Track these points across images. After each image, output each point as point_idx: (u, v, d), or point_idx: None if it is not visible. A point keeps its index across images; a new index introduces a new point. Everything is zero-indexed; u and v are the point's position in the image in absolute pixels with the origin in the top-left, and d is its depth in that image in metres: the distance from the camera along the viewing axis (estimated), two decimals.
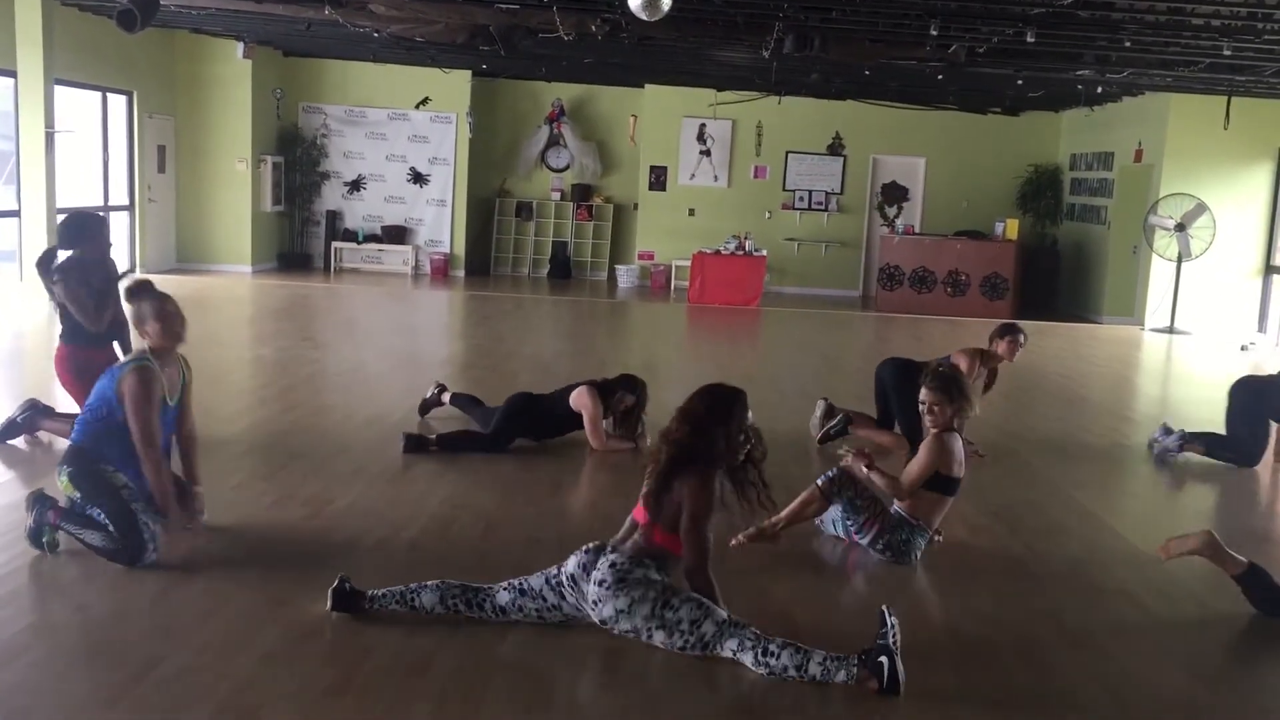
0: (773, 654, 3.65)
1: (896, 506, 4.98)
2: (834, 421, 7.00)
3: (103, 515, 4.34)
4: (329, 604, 3.98)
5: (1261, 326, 14.23)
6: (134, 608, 4.01)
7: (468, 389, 7.88)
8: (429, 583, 4.00)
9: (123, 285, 4.68)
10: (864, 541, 4.94)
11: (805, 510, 4.95)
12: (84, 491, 4.40)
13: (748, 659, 3.67)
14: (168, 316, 4.55)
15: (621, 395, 6.64)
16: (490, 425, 6.62)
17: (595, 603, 3.86)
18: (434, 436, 6.48)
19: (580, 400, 6.56)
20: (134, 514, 4.35)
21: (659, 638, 3.77)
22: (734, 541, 4.84)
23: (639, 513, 4.01)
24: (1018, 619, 4.45)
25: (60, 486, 4.48)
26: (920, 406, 5.01)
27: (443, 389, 7.27)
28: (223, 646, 3.71)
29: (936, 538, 5.16)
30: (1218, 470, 7.03)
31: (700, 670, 3.74)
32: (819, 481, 4.94)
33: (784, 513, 4.89)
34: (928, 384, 4.99)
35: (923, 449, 4.94)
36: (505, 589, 3.98)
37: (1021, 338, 7.01)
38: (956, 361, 7.01)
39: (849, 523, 4.95)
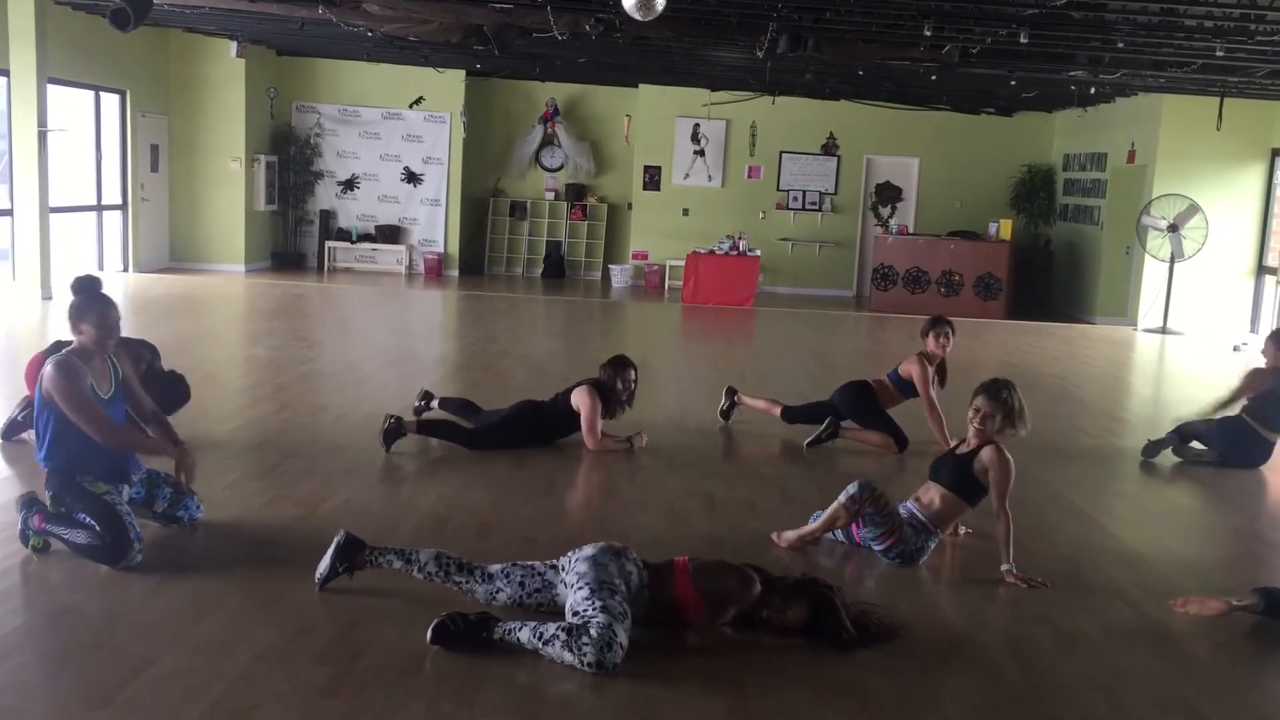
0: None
1: (914, 510, 4.97)
2: (824, 427, 7.03)
3: (89, 518, 4.36)
4: (327, 564, 4.15)
5: (1254, 327, 14.26)
6: (126, 607, 4.00)
7: (462, 389, 7.88)
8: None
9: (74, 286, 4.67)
10: (879, 549, 4.95)
11: (834, 523, 4.98)
12: (68, 505, 4.44)
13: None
14: (108, 327, 4.51)
15: (625, 376, 6.68)
16: (485, 422, 6.63)
17: (579, 549, 4.03)
18: (413, 420, 6.46)
19: (579, 399, 6.58)
20: (120, 514, 4.35)
21: (578, 596, 3.80)
22: (777, 537, 5.05)
23: (681, 561, 4.09)
24: (1010, 618, 4.47)
25: (49, 507, 4.51)
26: (970, 413, 4.96)
27: (429, 396, 7.12)
28: (216, 646, 3.70)
29: (963, 530, 5.29)
30: (1211, 470, 7.07)
31: (696, 673, 3.75)
32: (842, 500, 4.90)
33: (816, 526, 5.00)
34: (987, 392, 4.93)
35: (995, 463, 4.85)
36: (500, 565, 4.14)
37: (948, 329, 7.02)
38: (908, 371, 7.02)
39: (867, 535, 4.95)
